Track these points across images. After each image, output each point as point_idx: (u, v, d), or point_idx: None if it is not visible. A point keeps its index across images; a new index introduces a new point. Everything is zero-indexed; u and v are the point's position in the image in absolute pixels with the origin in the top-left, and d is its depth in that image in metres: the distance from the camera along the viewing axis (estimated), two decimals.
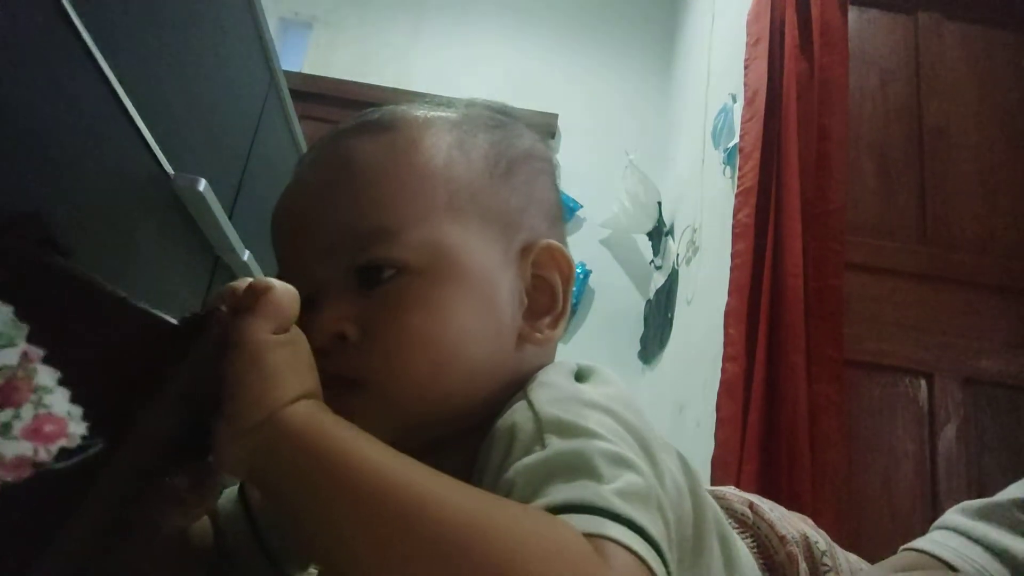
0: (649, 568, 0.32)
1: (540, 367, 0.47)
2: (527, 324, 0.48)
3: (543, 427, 0.39)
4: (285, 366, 0.36)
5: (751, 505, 0.62)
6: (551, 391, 0.42)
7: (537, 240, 0.49)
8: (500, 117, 0.53)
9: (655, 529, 0.34)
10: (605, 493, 0.34)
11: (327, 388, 0.39)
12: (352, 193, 0.45)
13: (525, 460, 0.37)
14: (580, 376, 0.46)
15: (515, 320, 0.47)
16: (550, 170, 0.54)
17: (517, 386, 0.45)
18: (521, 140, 0.52)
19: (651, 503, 0.36)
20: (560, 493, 0.34)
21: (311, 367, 0.38)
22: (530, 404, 0.41)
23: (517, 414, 0.41)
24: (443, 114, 0.50)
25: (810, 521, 0.67)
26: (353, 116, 0.51)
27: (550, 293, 0.49)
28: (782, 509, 0.65)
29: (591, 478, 0.35)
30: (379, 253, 0.43)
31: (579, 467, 0.35)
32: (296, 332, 0.38)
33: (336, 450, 0.33)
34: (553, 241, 0.49)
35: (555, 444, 0.37)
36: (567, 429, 0.38)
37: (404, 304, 0.43)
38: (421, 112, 0.49)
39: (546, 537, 0.31)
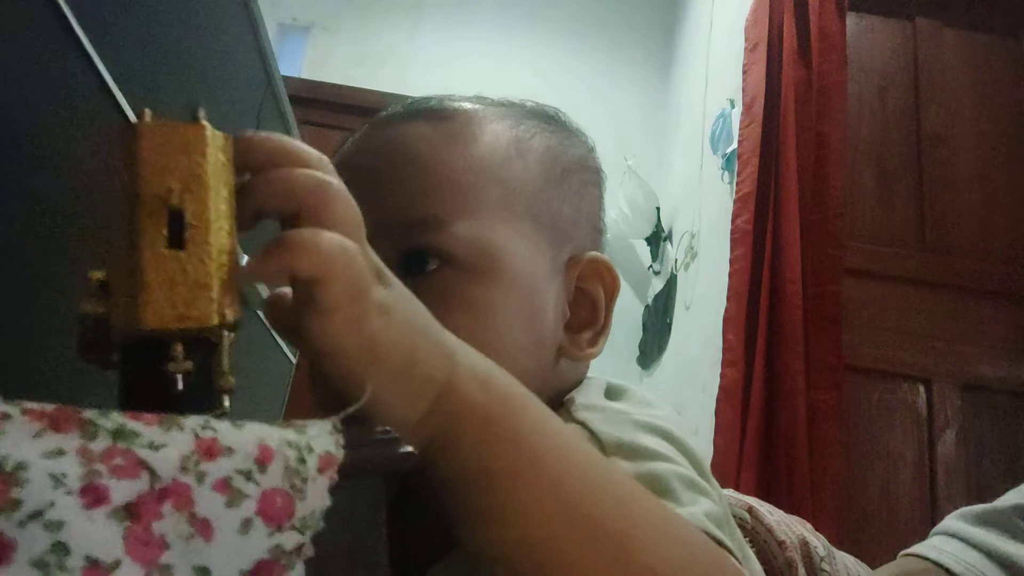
0: None
1: (575, 383, 0.46)
2: (567, 338, 0.46)
3: (606, 450, 0.37)
4: (418, 312, 0.30)
5: (750, 509, 0.61)
6: (600, 413, 0.41)
7: (584, 253, 0.47)
8: (555, 122, 0.51)
9: (739, 553, 0.33)
10: (699, 516, 0.33)
11: None
12: (406, 177, 0.43)
13: None
14: (611, 394, 0.45)
15: (556, 333, 0.45)
16: (599, 183, 0.54)
17: (551, 400, 0.42)
18: (576, 148, 0.51)
19: (727, 528, 0.35)
20: None
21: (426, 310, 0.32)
22: (583, 425, 0.39)
23: None
24: (502, 111, 0.48)
25: (809, 525, 0.67)
26: (402, 103, 0.49)
27: (592, 308, 0.47)
28: (781, 513, 0.65)
29: (671, 500, 0.34)
30: (427, 241, 0.41)
31: (657, 489, 0.34)
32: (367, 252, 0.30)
33: (526, 431, 0.30)
34: (600, 255, 0.48)
35: (624, 466, 0.36)
36: (631, 451, 0.37)
37: (447, 303, 0.39)
38: (481, 105, 0.48)
39: (729, 569, 0.31)
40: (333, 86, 3.28)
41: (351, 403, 0.28)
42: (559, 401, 0.44)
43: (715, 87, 2.50)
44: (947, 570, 0.58)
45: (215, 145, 0.31)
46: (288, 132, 1.39)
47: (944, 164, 2.00)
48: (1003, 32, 2.14)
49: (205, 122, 0.31)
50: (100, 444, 0.21)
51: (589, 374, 0.47)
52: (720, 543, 0.32)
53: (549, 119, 0.51)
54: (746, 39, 2.08)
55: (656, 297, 2.84)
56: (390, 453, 0.27)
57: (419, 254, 0.41)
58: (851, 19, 2.02)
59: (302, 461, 0.23)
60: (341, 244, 0.28)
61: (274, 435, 0.24)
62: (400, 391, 0.29)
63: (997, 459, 1.72)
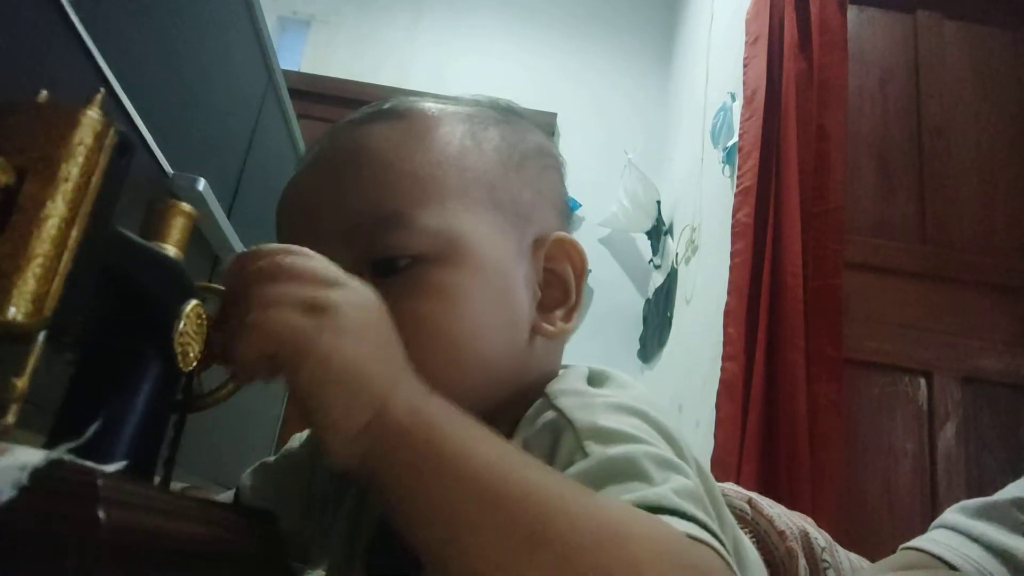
0: (726, 561, 0.32)
1: (551, 363, 0.48)
2: (540, 317, 0.47)
3: (580, 435, 0.39)
4: (364, 360, 0.33)
5: (750, 501, 0.62)
6: (578, 398, 0.42)
7: (549, 233, 0.48)
8: (508, 113, 0.53)
9: (715, 526, 0.34)
10: (666, 493, 0.34)
11: None
12: (366, 179, 0.44)
13: (571, 470, 0.36)
14: (593, 380, 0.46)
15: (529, 313, 0.47)
16: (558, 166, 0.54)
17: (530, 383, 0.45)
18: (531, 135, 0.52)
19: (701, 503, 0.36)
20: (622, 497, 0.34)
21: (386, 328, 0.36)
22: (561, 412, 0.41)
23: (548, 423, 0.41)
24: (454, 107, 0.50)
25: (810, 520, 0.67)
26: (359, 109, 0.50)
27: (562, 286, 0.49)
28: (781, 507, 0.65)
29: (643, 481, 0.35)
30: (394, 241, 0.42)
31: (629, 471, 0.35)
32: (348, 290, 0.35)
33: (448, 452, 0.32)
34: (565, 235, 0.49)
35: (597, 451, 0.37)
36: (605, 435, 0.38)
37: (419, 292, 0.42)
38: (433, 103, 0.49)
39: (665, 537, 0.31)
40: (333, 80, 3.28)
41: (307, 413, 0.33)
42: (541, 384, 0.45)
43: (716, 80, 2.50)
44: (947, 564, 0.58)
45: (87, 131, 0.29)
46: (288, 126, 1.39)
47: (945, 157, 2.00)
48: (1003, 25, 2.13)
49: (92, 110, 0.29)
50: None
51: (601, 367, 0.48)
52: (691, 517, 0.33)
53: (503, 111, 0.52)
54: (747, 32, 2.07)
55: (657, 291, 2.84)
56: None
57: (389, 258, 0.43)
58: (852, 12, 2.02)
59: None
60: (274, 325, 0.32)
61: None
62: (342, 407, 0.32)
63: (997, 452, 1.72)
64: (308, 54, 3.38)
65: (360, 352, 0.33)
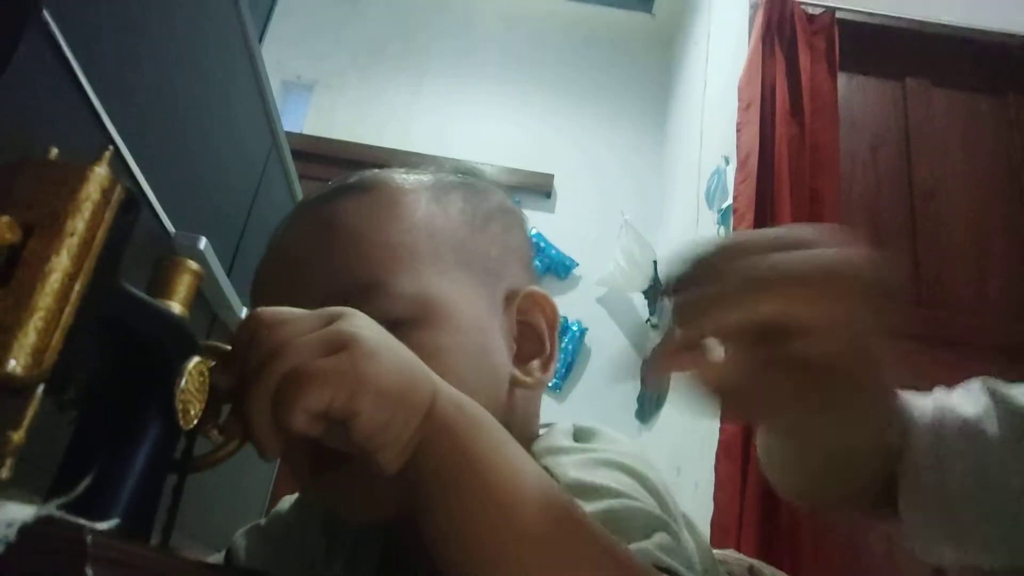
0: None
1: (531, 412, 0.50)
2: (518, 369, 0.48)
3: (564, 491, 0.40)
4: (405, 367, 0.35)
5: (751, 568, 0.61)
6: (564, 456, 0.43)
7: (520, 287, 0.50)
8: (468, 177, 0.54)
9: None
10: (649, 548, 0.35)
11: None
12: (339, 251, 0.45)
13: None
14: (580, 436, 0.47)
15: (506, 366, 0.48)
16: (520, 222, 0.55)
17: (513, 433, 0.44)
18: (491, 196, 0.54)
19: (682, 559, 0.37)
20: None
21: (398, 348, 0.36)
22: (546, 471, 0.41)
23: None
24: (416, 176, 0.51)
25: None
26: (328, 184, 0.52)
27: (537, 338, 0.50)
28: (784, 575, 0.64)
29: (624, 537, 0.36)
30: (373, 308, 0.41)
31: (610, 527, 0.36)
32: (348, 315, 0.35)
33: (490, 441, 0.35)
34: (535, 288, 0.51)
35: (581, 507, 0.38)
36: (589, 491, 0.39)
37: None
38: (395, 174, 0.51)
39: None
40: (336, 142, 3.33)
41: (351, 441, 0.33)
42: (524, 434, 0.47)
43: (710, 144, 2.55)
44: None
45: (94, 186, 0.29)
46: (290, 187, 1.41)
47: (937, 219, 2.02)
48: (989, 91, 2.19)
49: (100, 166, 0.30)
50: None
51: (588, 423, 0.49)
52: (675, 573, 0.35)
53: (463, 175, 0.54)
54: (739, 98, 2.12)
55: (654, 351, 2.83)
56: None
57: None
58: (842, 79, 2.07)
59: None
60: (313, 381, 0.32)
61: None
62: (401, 420, 0.33)
63: None
64: (311, 116, 3.45)
65: (399, 362, 0.35)
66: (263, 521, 0.58)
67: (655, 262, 2.99)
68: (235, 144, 1.12)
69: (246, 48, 1.10)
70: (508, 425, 0.44)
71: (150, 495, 0.35)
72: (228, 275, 1.07)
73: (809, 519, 1.52)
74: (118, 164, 0.76)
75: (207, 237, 0.92)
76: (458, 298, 0.45)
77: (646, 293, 3.01)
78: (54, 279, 0.27)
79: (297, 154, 1.50)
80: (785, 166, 1.87)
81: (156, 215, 0.85)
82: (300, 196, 1.47)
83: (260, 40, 2.32)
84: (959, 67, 2.20)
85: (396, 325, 0.41)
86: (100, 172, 0.29)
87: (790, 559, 1.49)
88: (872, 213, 2.03)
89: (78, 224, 0.28)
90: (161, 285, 0.37)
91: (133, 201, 0.32)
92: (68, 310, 0.28)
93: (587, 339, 3.06)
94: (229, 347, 0.37)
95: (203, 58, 0.97)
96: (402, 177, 0.50)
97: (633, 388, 2.97)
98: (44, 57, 0.62)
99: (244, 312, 1.12)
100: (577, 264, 3.11)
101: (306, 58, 3.51)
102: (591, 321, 3.07)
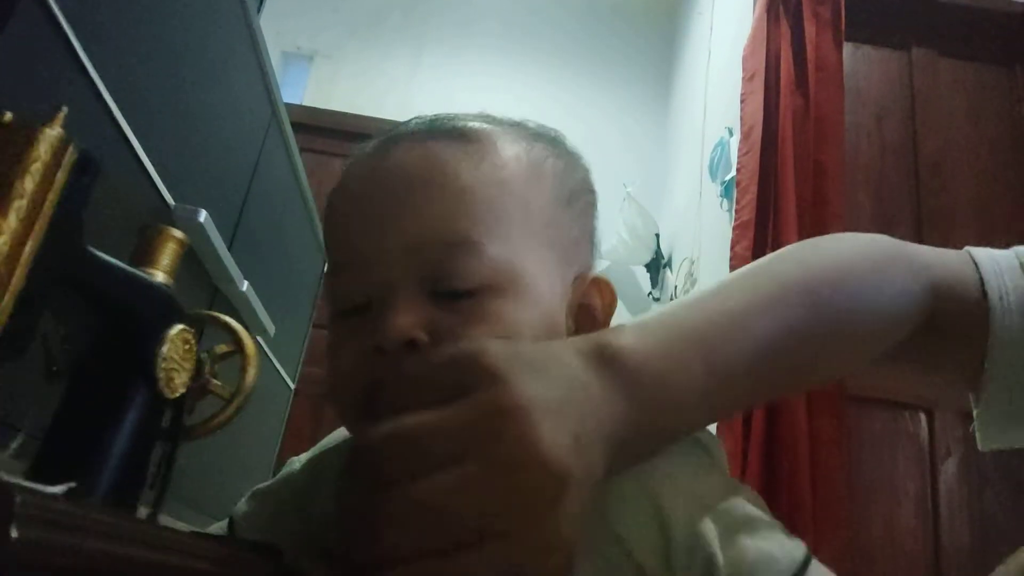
0: None
1: None
2: None
3: None
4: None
5: None
6: None
7: (587, 272, 0.50)
8: (559, 145, 0.54)
9: None
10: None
11: (390, 399, 0.37)
12: (439, 197, 0.44)
13: None
14: None
15: None
16: (595, 202, 0.56)
17: None
18: (578, 171, 0.54)
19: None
20: None
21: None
22: None
23: None
24: (515, 134, 0.50)
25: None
26: (424, 118, 0.51)
27: (592, 320, 0.50)
28: None
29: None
30: (461, 267, 0.42)
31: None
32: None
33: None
34: (600, 275, 0.51)
35: None
36: None
37: (479, 321, 0.42)
38: (495, 127, 0.50)
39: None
40: (335, 114, 3.31)
41: None
42: None
43: (713, 116, 2.53)
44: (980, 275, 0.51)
45: (45, 148, 0.28)
46: (290, 159, 1.40)
47: (941, 192, 2.01)
48: (995, 61, 2.16)
49: (52, 128, 0.29)
50: None
51: None
52: None
53: (554, 142, 0.53)
54: (743, 69, 2.10)
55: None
56: None
57: (452, 283, 0.42)
58: (847, 49, 2.05)
59: None
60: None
61: None
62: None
63: (999, 488, 1.71)
64: (311, 88, 3.42)
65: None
66: (265, 485, 0.58)
67: (658, 235, 2.98)
68: (235, 116, 1.11)
69: (245, 19, 1.09)
70: None
71: (136, 464, 0.34)
72: (229, 248, 1.06)
73: (809, 494, 1.53)
74: (117, 136, 0.75)
75: (207, 210, 0.91)
76: (539, 274, 0.45)
77: (649, 266, 3.01)
78: (2, 242, 0.26)
79: (297, 126, 1.49)
80: (789, 138, 1.86)
81: (156, 188, 0.85)
82: (300, 169, 1.46)
83: (259, 11, 2.29)
84: (966, 37, 2.17)
85: (478, 290, 0.42)
86: (51, 133, 0.29)
87: (789, 526, 1.50)
88: (876, 185, 2.02)
89: (26, 186, 0.27)
90: (144, 254, 0.36)
91: (90, 162, 0.31)
92: (18, 272, 0.27)
93: None
94: (213, 314, 0.36)
95: (202, 30, 0.96)
96: (502, 131, 0.49)
97: None
98: (40, 28, 0.61)
99: (245, 286, 1.12)
100: None
101: (306, 29, 3.47)
102: None
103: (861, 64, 2.15)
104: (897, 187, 2.02)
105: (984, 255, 0.52)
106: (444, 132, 0.48)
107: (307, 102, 3.34)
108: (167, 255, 0.36)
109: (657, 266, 2.97)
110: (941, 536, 1.63)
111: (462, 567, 0.28)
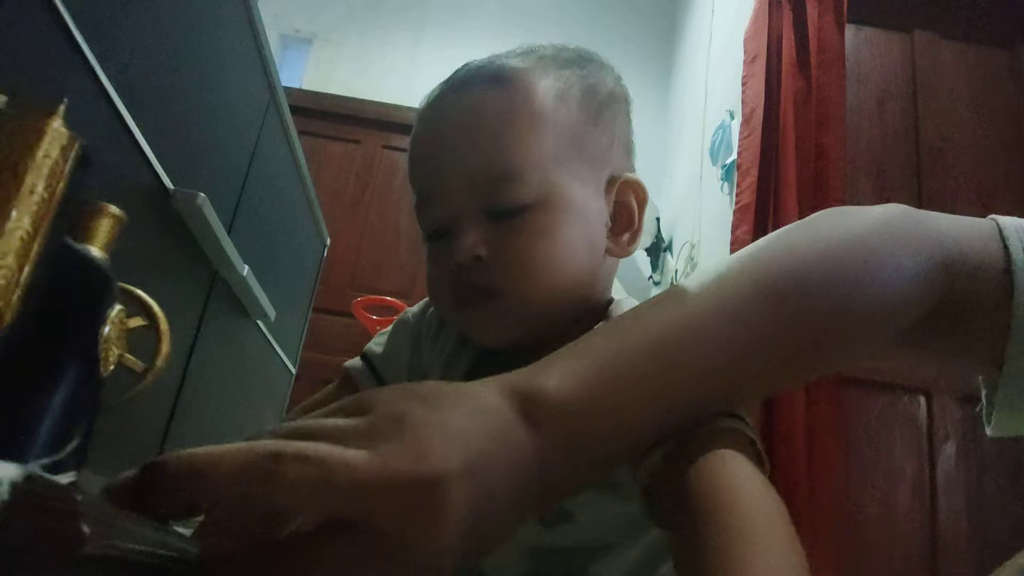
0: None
1: (610, 276, 0.61)
2: (611, 241, 0.58)
3: None
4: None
5: None
6: None
7: (620, 174, 0.60)
8: (587, 62, 0.63)
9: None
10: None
11: (469, 297, 0.53)
12: (482, 140, 0.54)
13: None
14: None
15: (603, 238, 0.58)
16: (627, 109, 0.65)
17: (596, 291, 0.58)
18: (606, 84, 0.62)
19: None
20: None
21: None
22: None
23: None
24: (544, 63, 0.59)
25: None
26: (472, 65, 0.61)
27: (628, 215, 0.59)
28: None
29: None
30: (507, 194, 0.53)
31: None
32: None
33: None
34: (632, 176, 0.61)
35: None
36: None
37: (526, 233, 0.53)
38: (527, 63, 0.59)
39: None
40: (334, 97, 3.30)
41: None
42: (601, 292, 0.59)
43: (714, 98, 2.51)
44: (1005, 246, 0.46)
45: (54, 144, 0.28)
46: (289, 142, 1.40)
47: (943, 175, 2.00)
48: (998, 43, 2.15)
49: (57, 120, 0.29)
50: None
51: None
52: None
53: (582, 61, 0.62)
54: (745, 51, 2.08)
55: None
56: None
57: (504, 207, 0.53)
58: (849, 31, 2.03)
59: None
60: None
61: None
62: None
63: (998, 472, 1.71)
64: (310, 71, 3.40)
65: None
66: (379, 350, 0.68)
67: (658, 219, 2.98)
68: (233, 100, 1.11)
69: (243, 2, 1.08)
70: (595, 284, 0.57)
71: (67, 437, 0.33)
72: (228, 232, 1.06)
73: (806, 478, 1.54)
74: (115, 121, 0.75)
75: (206, 194, 0.91)
76: (573, 184, 0.55)
77: (649, 250, 3.01)
78: (16, 238, 0.26)
79: (296, 110, 1.48)
80: (791, 121, 1.85)
81: (155, 173, 0.85)
82: (300, 152, 1.46)
83: None
84: (968, 19, 2.16)
85: (522, 208, 0.53)
86: (58, 128, 0.28)
87: (786, 509, 1.51)
88: (878, 168, 2.01)
89: (37, 183, 0.27)
90: (81, 230, 0.36)
91: (89, 158, 0.31)
92: (27, 269, 0.27)
93: None
94: (127, 287, 0.36)
95: (200, 13, 0.95)
96: (533, 69, 0.58)
97: None
98: (37, 12, 0.61)
99: (246, 271, 1.12)
100: None
101: (304, 12, 3.45)
102: None
103: (863, 46, 2.14)
104: (899, 170, 2.02)
105: (1012, 226, 0.47)
106: (485, 79, 0.57)
107: (306, 85, 3.33)
108: (103, 231, 0.36)
109: (658, 250, 2.96)
110: (939, 519, 1.64)
111: (331, 550, 0.27)
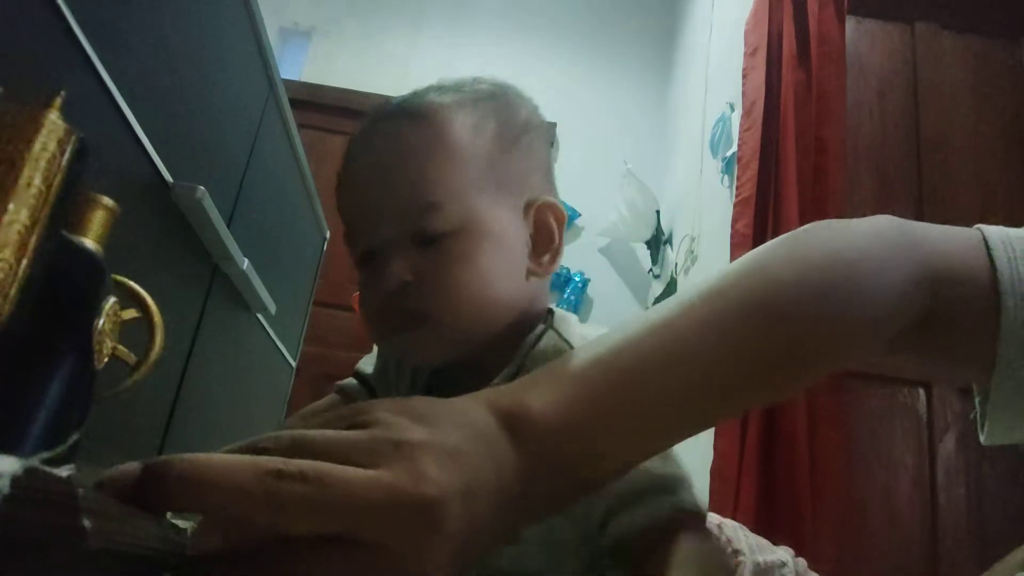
0: None
1: (542, 292, 0.63)
2: (533, 261, 0.61)
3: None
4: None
5: (719, 526, 0.70)
6: (576, 328, 0.60)
7: (538, 197, 0.62)
8: (503, 95, 0.65)
9: None
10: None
11: (399, 322, 0.55)
12: (406, 173, 0.57)
13: None
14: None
15: (524, 259, 0.60)
16: (543, 135, 0.67)
17: (526, 309, 0.60)
18: (520, 115, 0.65)
19: None
20: None
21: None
22: (561, 336, 0.59)
23: (552, 345, 0.58)
24: (460, 98, 0.62)
25: (791, 551, 0.73)
26: (395, 100, 0.63)
27: (548, 236, 0.62)
28: (759, 539, 0.73)
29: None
30: (430, 224, 0.56)
31: None
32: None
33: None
34: (549, 198, 0.63)
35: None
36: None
37: (449, 259, 0.56)
38: (444, 99, 0.61)
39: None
40: (334, 90, 3.29)
41: None
42: (535, 309, 0.61)
43: (715, 91, 2.51)
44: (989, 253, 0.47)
45: (51, 137, 0.29)
46: (288, 135, 1.40)
47: (943, 167, 2.00)
48: (1000, 36, 2.14)
49: (54, 112, 0.29)
50: None
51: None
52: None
53: (495, 95, 0.65)
54: (745, 43, 2.08)
55: (656, 300, 2.84)
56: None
57: (427, 235, 0.56)
58: (850, 23, 2.03)
59: None
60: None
61: None
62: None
63: (997, 463, 1.72)
64: (309, 64, 3.39)
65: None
66: (369, 368, 0.71)
67: (658, 212, 2.98)
68: (232, 93, 1.11)
69: None
70: (523, 302, 0.60)
71: (64, 430, 0.34)
72: (228, 225, 1.06)
73: (807, 469, 1.54)
74: (115, 114, 0.74)
75: (206, 187, 0.91)
76: (491, 211, 0.58)
77: (649, 243, 3.01)
78: (13, 231, 0.26)
79: (296, 103, 1.48)
80: (791, 114, 1.85)
81: (154, 166, 0.84)
82: (299, 145, 1.46)
83: None
84: (969, 11, 2.15)
85: (445, 235, 0.56)
86: (55, 121, 0.28)
87: (788, 507, 1.51)
88: (878, 160, 2.01)
89: (35, 176, 0.27)
90: (75, 221, 0.36)
91: (86, 150, 0.31)
92: (25, 263, 0.27)
93: (589, 290, 3.07)
94: (120, 279, 0.37)
95: (199, 6, 0.95)
96: (449, 104, 0.61)
97: None
98: (36, 6, 0.60)
99: (246, 264, 1.12)
100: (579, 215, 3.09)
101: (303, 5, 3.44)
102: (593, 272, 3.07)
103: (863, 38, 2.14)
104: (899, 162, 2.01)
105: (997, 237, 0.48)
106: (406, 115, 0.60)
107: (305, 78, 3.32)
108: (97, 223, 0.36)
109: (657, 243, 2.96)
110: (939, 509, 1.64)
111: (328, 562, 0.28)
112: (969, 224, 0.53)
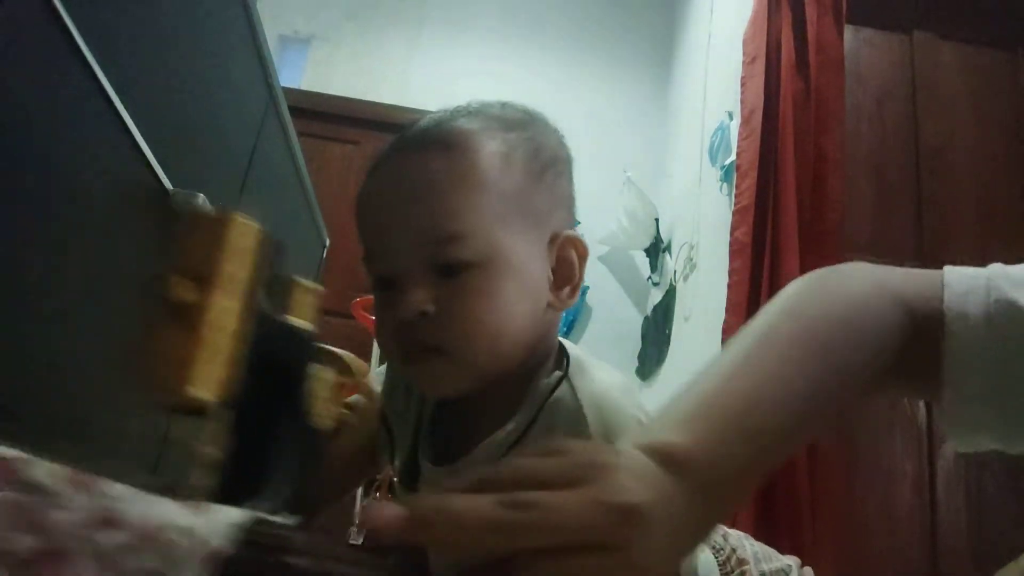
0: None
1: (554, 326, 0.63)
2: (553, 295, 0.61)
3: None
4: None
5: (724, 535, 0.72)
6: (590, 373, 0.61)
7: (561, 231, 0.62)
8: (531, 125, 0.65)
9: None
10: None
11: (415, 353, 0.56)
12: (431, 202, 0.56)
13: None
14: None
15: (545, 292, 0.60)
16: (568, 169, 0.67)
17: (539, 342, 0.60)
18: (548, 146, 0.64)
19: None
20: None
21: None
22: (575, 395, 0.58)
23: (566, 401, 0.58)
24: (489, 126, 0.61)
25: (798, 560, 0.74)
26: (412, 125, 0.62)
27: (569, 269, 0.62)
28: (766, 547, 0.74)
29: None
30: (453, 254, 0.55)
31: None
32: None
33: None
34: (572, 233, 0.63)
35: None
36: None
37: (470, 292, 0.55)
38: (473, 125, 0.60)
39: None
40: (333, 97, 3.30)
41: None
42: (546, 343, 0.62)
43: (713, 99, 2.51)
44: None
45: (249, 239, 0.36)
46: (288, 143, 1.40)
47: (942, 176, 2.00)
48: (999, 45, 2.15)
49: (240, 215, 0.36)
50: None
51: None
52: None
53: (525, 125, 0.64)
54: (744, 52, 2.08)
55: (655, 308, 2.84)
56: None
57: (449, 265, 0.55)
58: (849, 32, 2.03)
59: (180, 543, 0.23)
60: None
61: (169, 513, 0.24)
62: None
63: (997, 472, 1.71)
64: (309, 72, 3.40)
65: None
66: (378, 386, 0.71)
67: (657, 220, 2.98)
68: (232, 100, 1.11)
69: (242, 2, 1.08)
70: (539, 336, 0.60)
71: (286, 483, 0.38)
72: None
73: (807, 481, 1.54)
74: (113, 120, 0.74)
75: (205, 194, 0.91)
76: (515, 244, 0.57)
77: (648, 251, 3.01)
78: (229, 322, 0.33)
79: (295, 110, 1.48)
80: (790, 122, 1.85)
81: (153, 173, 0.85)
82: (299, 153, 1.46)
83: None
84: (968, 20, 2.16)
85: (467, 267, 0.55)
86: (247, 224, 0.35)
87: (787, 517, 1.51)
88: (877, 169, 2.01)
89: (242, 274, 0.34)
90: (288, 305, 0.41)
91: (281, 243, 0.36)
92: (237, 344, 0.34)
93: (589, 298, 3.07)
94: (328, 348, 0.43)
95: (198, 13, 0.95)
96: (481, 134, 0.59)
97: (634, 346, 2.98)
98: (34, 12, 0.61)
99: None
100: (579, 222, 3.08)
101: (303, 12, 3.45)
102: (593, 280, 3.07)
103: (863, 47, 2.14)
104: (898, 171, 2.02)
105: (956, 275, 0.54)
106: (433, 140, 0.59)
107: (305, 86, 3.33)
108: (307, 306, 0.41)
109: (656, 251, 2.96)
110: (939, 516, 1.64)
111: (577, 566, 0.33)
112: (967, 232, 0.55)
